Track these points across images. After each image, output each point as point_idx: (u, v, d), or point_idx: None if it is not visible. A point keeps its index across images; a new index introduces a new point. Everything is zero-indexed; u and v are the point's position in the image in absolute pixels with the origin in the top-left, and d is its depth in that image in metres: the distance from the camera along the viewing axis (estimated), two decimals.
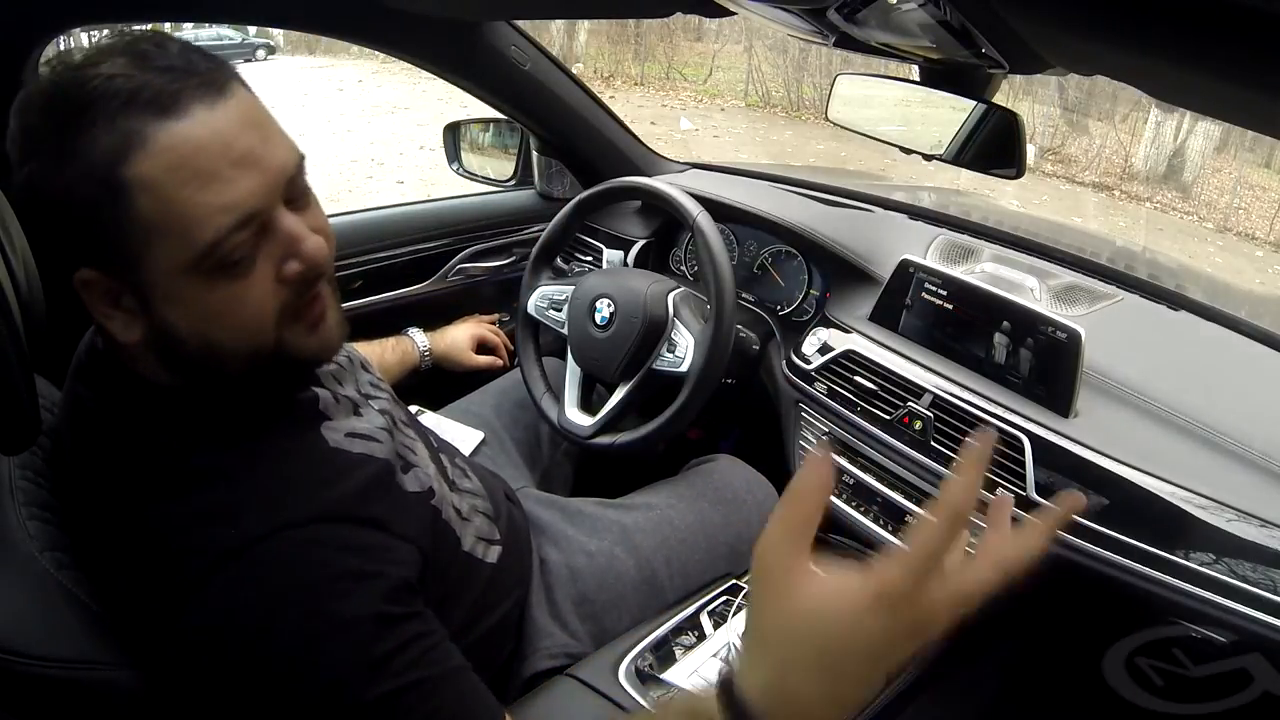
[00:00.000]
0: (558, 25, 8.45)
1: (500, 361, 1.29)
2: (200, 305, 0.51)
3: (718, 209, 1.18)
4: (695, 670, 0.83)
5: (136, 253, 0.49)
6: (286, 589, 0.51)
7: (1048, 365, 0.89)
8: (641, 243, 1.35)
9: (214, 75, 0.49)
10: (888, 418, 0.97)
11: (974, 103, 0.83)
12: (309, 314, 0.56)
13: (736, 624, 0.87)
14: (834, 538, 1.08)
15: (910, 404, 0.95)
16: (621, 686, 0.78)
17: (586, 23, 8.54)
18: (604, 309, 1.05)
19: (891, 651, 0.39)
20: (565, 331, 1.10)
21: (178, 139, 0.47)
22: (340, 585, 0.52)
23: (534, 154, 1.46)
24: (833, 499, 1.04)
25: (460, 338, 1.24)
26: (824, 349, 1.06)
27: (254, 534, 0.51)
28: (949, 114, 0.85)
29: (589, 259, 1.40)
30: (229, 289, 0.51)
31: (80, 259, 0.50)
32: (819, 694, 0.40)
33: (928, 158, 0.89)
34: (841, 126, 1.00)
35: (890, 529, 0.98)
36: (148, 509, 0.52)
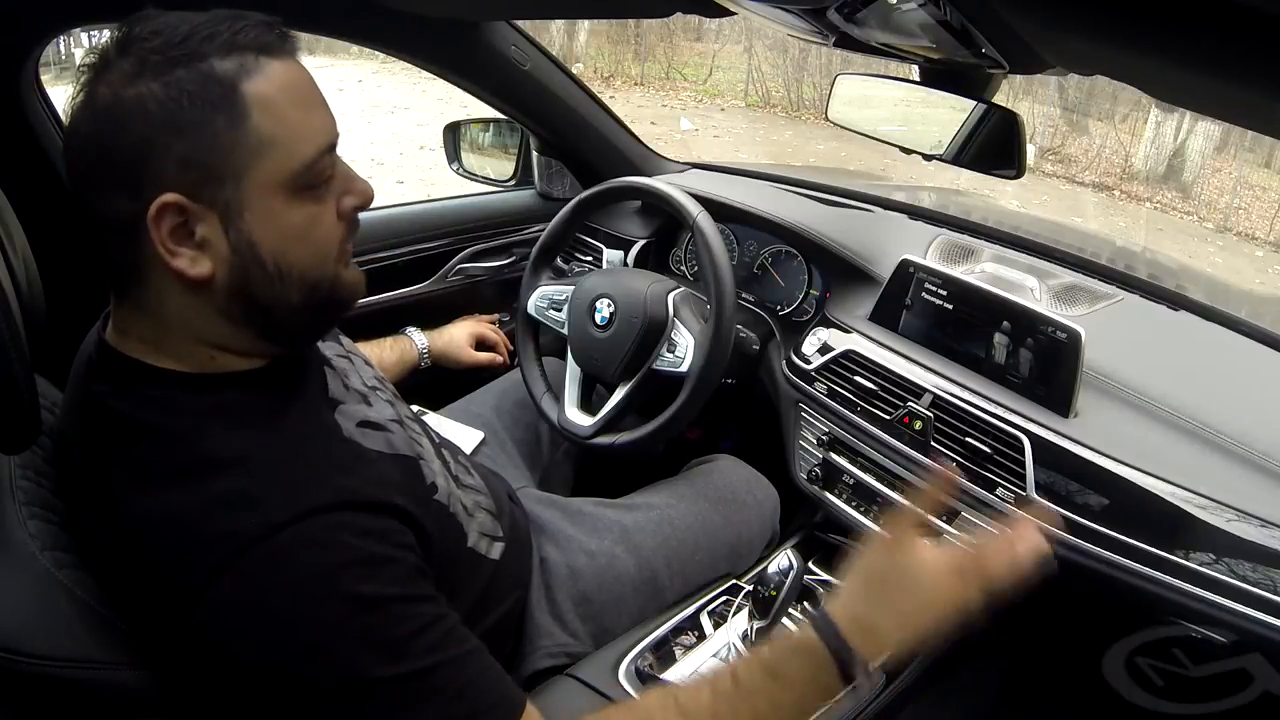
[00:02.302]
0: (558, 25, 8.44)
1: (499, 358, 1.29)
2: (285, 224, 0.56)
3: (718, 209, 1.18)
4: (695, 670, 0.83)
5: (240, 167, 0.53)
6: (311, 573, 0.51)
7: (1048, 365, 0.89)
8: (641, 243, 1.35)
9: (292, 40, 0.57)
10: (888, 418, 0.97)
11: (974, 103, 0.83)
12: (346, 251, 0.62)
13: (737, 624, 0.87)
14: (833, 537, 1.08)
15: (910, 404, 0.95)
16: (621, 686, 0.78)
17: (586, 23, 8.52)
18: (604, 309, 1.05)
19: (949, 611, 0.57)
20: (565, 331, 1.10)
21: (286, 70, 0.55)
22: (363, 569, 0.53)
23: (534, 154, 1.46)
24: (832, 499, 1.04)
25: (459, 335, 1.24)
26: (824, 349, 1.06)
27: (278, 520, 0.51)
28: (949, 114, 0.85)
29: (589, 259, 1.40)
30: (309, 210, 0.57)
31: (167, 183, 0.52)
32: (891, 627, 0.57)
33: (928, 158, 0.89)
34: (841, 126, 1.00)
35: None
36: (169, 497, 0.52)
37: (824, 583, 1.02)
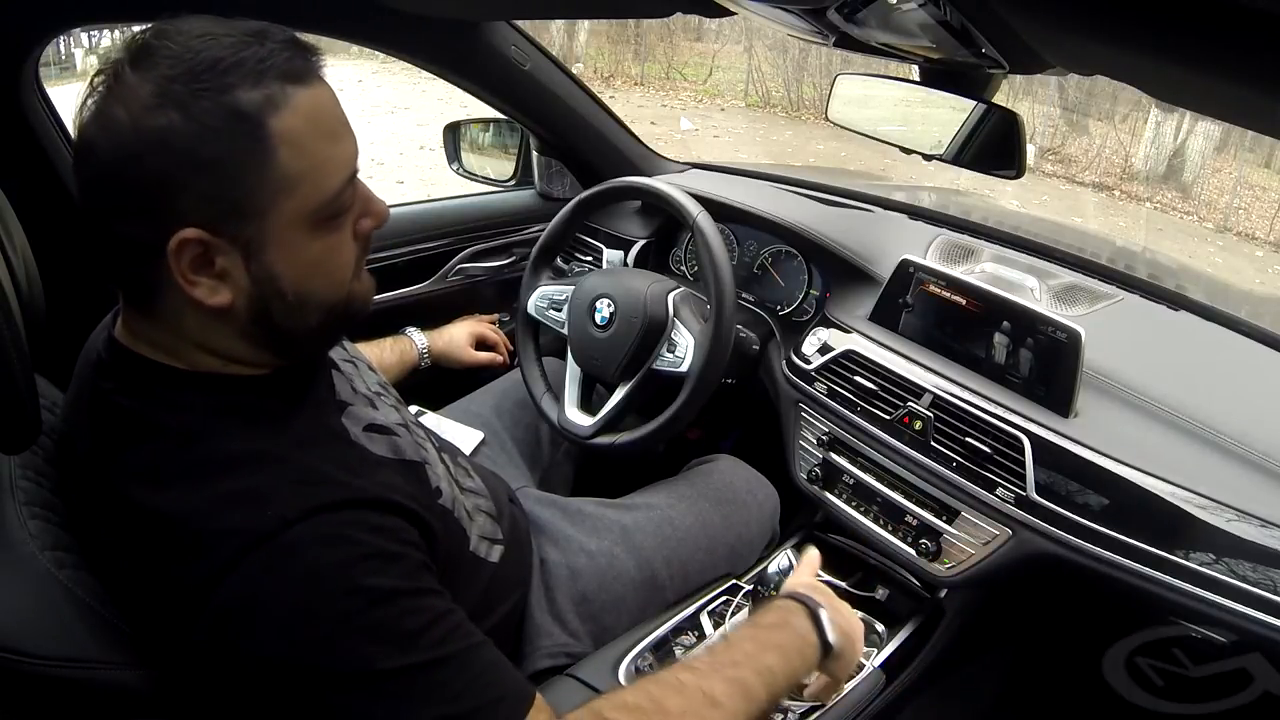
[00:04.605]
0: (558, 25, 8.43)
1: (499, 358, 1.29)
2: (306, 256, 0.56)
3: (718, 209, 1.18)
4: None
5: (265, 204, 0.53)
6: (323, 568, 0.51)
7: (1048, 365, 0.89)
8: (641, 243, 1.35)
9: (317, 59, 0.55)
10: (888, 418, 0.97)
11: (974, 103, 0.83)
12: (360, 266, 0.62)
13: (737, 624, 0.87)
14: (833, 538, 1.08)
15: (910, 404, 0.95)
16: (622, 686, 0.78)
17: (586, 23, 8.51)
18: (604, 309, 1.05)
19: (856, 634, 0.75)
20: (565, 331, 1.10)
21: (312, 100, 0.53)
22: (373, 563, 0.53)
23: (534, 154, 1.46)
24: (832, 499, 1.04)
25: (459, 335, 1.24)
26: (824, 349, 1.06)
27: (287, 517, 0.52)
28: (949, 114, 0.85)
29: (589, 259, 1.40)
30: (329, 239, 0.57)
31: (188, 218, 0.51)
32: (840, 605, 0.74)
33: (928, 158, 0.89)
34: (841, 126, 1.00)
35: (890, 529, 0.98)
36: (180, 494, 0.52)
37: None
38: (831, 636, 0.69)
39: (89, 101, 0.51)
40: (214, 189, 0.51)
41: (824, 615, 0.70)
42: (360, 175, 0.60)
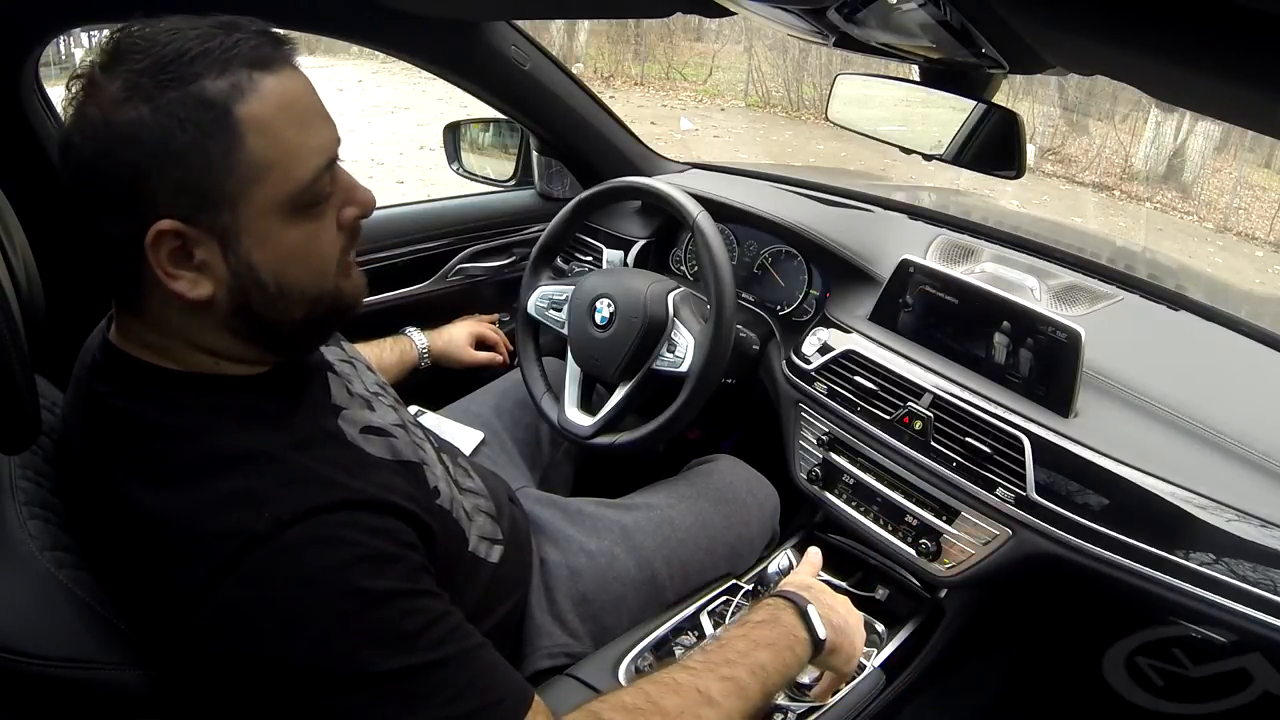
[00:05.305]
0: (558, 25, 8.43)
1: (499, 358, 1.29)
2: (284, 244, 0.55)
3: (718, 209, 1.18)
4: None
5: (237, 192, 0.52)
6: (318, 570, 0.51)
7: (1048, 365, 0.89)
8: (641, 243, 1.35)
9: (289, 48, 0.55)
10: (888, 418, 0.97)
11: (974, 103, 0.83)
12: (347, 261, 0.61)
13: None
14: (833, 538, 1.08)
15: (910, 404, 0.95)
16: (621, 686, 0.78)
17: (586, 23, 8.52)
18: (604, 309, 1.05)
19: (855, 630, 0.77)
20: (565, 331, 1.10)
21: (281, 87, 0.53)
22: (370, 565, 0.53)
23: (534, 154, 1.46)
24: (832, 499, 1.04)
25: (458, 335, 1.24)
26: (824, 349, 1.06)
27: (284, 518, 0.52)
28: (949, 114, 0.85)
29: (589, 259, 1.40)
30: (308, 229, 0.56)
31: (163, 209, 0.51)
32: (831, 599, 0.76)
33: (928, 158, 0.89)
34: (841, 126, 1.00)
35: (890, 529, 0.98)
36: (177, 495, 0.52)
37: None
38: (821, 631, 0.70)
39: (69, 106, 0.52)
40: (186, 179, 0.51)
41: (812, 611, 0.71)
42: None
